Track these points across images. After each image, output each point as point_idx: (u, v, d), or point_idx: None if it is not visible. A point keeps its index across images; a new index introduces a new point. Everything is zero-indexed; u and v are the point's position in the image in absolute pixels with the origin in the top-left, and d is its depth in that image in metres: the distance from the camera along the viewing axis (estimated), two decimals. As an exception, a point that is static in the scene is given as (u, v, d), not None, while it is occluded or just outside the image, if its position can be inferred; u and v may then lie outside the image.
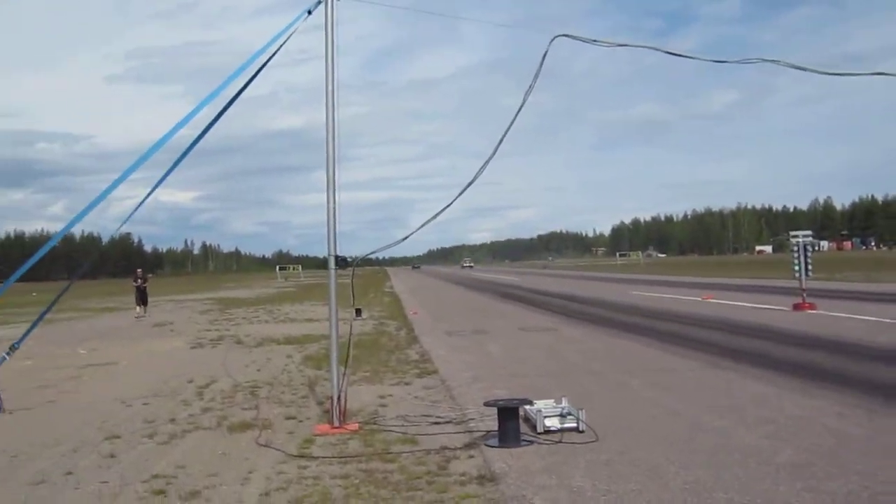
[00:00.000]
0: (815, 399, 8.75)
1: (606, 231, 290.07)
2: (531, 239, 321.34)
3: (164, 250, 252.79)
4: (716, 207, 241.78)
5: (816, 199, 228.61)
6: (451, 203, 7.84)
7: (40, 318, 9.89)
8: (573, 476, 6.15)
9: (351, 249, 10.00)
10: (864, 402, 8.41)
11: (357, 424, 8.20)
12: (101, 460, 7.18)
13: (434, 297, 39.63)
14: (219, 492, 6.05)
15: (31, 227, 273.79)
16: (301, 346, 16.46)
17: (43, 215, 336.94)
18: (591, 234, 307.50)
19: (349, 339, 8.59)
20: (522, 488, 5.89)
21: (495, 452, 6.96)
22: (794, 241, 20.80)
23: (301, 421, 8.65)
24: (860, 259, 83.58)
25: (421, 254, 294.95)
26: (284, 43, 8.10)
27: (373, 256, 11.20)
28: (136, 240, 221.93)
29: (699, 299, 26.49)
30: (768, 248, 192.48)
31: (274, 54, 8.15)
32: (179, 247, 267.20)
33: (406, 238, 8.28)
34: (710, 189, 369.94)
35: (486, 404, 7.87)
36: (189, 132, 8.47)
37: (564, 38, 7.51)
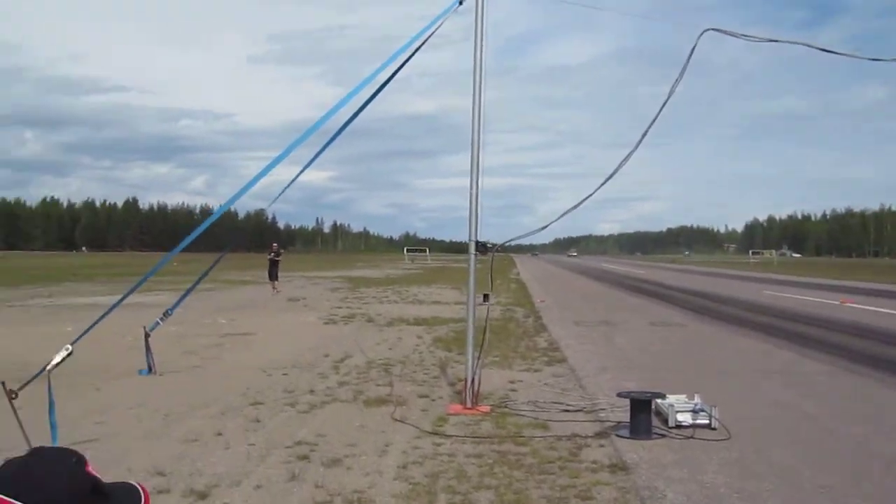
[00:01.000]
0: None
1: (739, 227, 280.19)
2: (660, 232, 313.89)
3: (296, 227, 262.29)
4: (857, 208, 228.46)
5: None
6: (594, 192, 7.73)
7: (193, 286, 10.48)
8: (705, 471, 6.07)
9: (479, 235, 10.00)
10: None
11: (489, 407, 8.28)
12: (247, 423, 7.57)
13: (561, 286, 39.32)
14: (358, 461, 6.26)
15: (172, 200, 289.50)
16: (430, 327, 16.71)
17: (184, 188, 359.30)
18: (722, 230, 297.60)
19: (486, 324, 8.65)
20: (654, 480, 5.85)
21: (626, 443, 6.92)
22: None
23: (434, 400, 8.81)
24: None
25: (547, 242, 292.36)
26: (437, 29, 8.18)
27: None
28: (269, 216, 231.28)
29: (837, 303, 25.18)
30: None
31: (426, 39, 8.24)
32: (310, 225, 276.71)
33: (547, 226, 8.25)
34: (851, 188, 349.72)
35: (619, 395, 7.84)
36: (319, 114, 8.60)
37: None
